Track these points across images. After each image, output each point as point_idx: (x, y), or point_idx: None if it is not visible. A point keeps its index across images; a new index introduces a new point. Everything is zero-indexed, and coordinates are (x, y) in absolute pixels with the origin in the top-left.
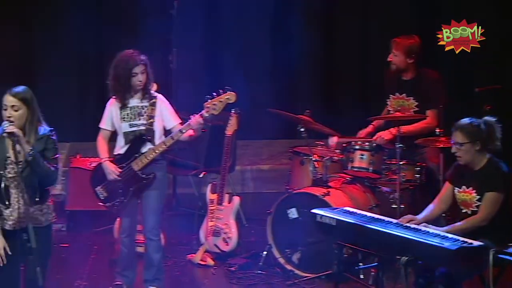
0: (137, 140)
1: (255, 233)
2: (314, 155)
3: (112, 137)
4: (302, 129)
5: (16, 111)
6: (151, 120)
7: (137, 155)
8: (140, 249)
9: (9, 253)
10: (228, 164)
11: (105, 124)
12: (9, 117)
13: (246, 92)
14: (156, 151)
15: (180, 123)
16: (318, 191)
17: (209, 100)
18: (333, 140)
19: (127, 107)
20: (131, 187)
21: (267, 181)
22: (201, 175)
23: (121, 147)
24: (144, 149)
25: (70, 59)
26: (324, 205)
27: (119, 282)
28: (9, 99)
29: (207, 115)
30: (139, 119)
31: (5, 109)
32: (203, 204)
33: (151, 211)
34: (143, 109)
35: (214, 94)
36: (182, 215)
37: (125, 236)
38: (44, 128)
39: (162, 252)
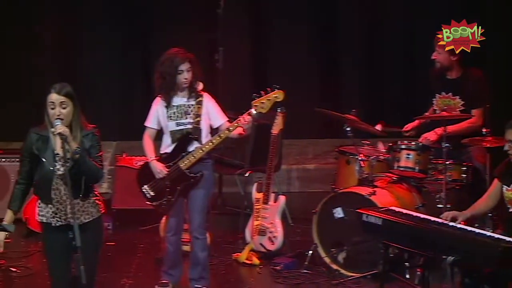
0: (184, 139)
1: (301, 232)
2: (360, 155)
3: (157, 136)
4: (348, 128)
5: (64, 108)
6: (198, 119)
7: (184, 154)
8: (185, 248)
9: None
10: (274, 163)
11: (151, 122)
12: (58, 115)
13: (292, 91)
14: (203, 150)
15: (228, 121)
16: (364, 191)
17: (257, 99)
18: (380, 147)
19: (173, 105)
20: (179, 186)
21: (312, 181)
22: (246, 174)
23: (167, 146)
24: (191, 148)
25: (116, 57)
26: (370, 204)
27: (165, 281)
28: (56, 97)
29: (255, 113)
30: (186, 118)
31: (53, 108)
32: (249, 203)
33: (197, 210)
34: (190, 107)
35: (262, 92)
36: (228, 214)
37: (172, 234)
38: (89, 126)
39: (207, 250)
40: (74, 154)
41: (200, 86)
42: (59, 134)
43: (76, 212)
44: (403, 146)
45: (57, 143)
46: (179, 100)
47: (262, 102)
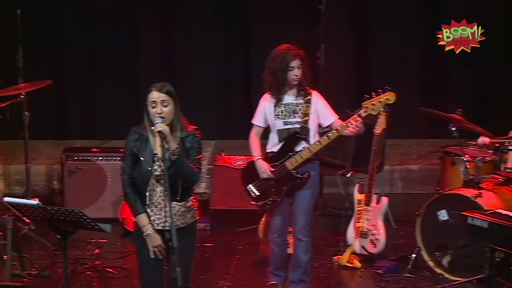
0: (291, 138)
1: (404, 235)
2: (466, 155)
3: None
4: (453, 129)
5: (165, 106)
6: (306, 118)
7: (291, 154)
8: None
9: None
10: (376, 163)
11: (258, 120)
12: (160, 113)
13: (395, 90)
14: (311, 150)
15: (340, 118)
16: (469, 193)
17: (368, 100)
18: (484, 141)
19: (282, 103)
20: (284, 186)
21: (416, 182)
22: (348, 175)
23: (274, 145)
24: (298, 148)
25: (216, 54)
26: (476, 207)
27: (274, 282)
28: (157, 95)
29: (365, 115)
30: (294, 117)
31: (154, 107)
32: (350, 205)
33: (302, 211)
34: (298, 106)
35: (373, 94)
36: (329, 215)
37: (277, 235)
38: (189, 126)
39: (310, 253)
40: (173, 154)
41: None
42: (159, 132)
43: (175, 212)
44: (510, 147)
45: (156, 143)
46: (288, 98)
47: (373, 104)
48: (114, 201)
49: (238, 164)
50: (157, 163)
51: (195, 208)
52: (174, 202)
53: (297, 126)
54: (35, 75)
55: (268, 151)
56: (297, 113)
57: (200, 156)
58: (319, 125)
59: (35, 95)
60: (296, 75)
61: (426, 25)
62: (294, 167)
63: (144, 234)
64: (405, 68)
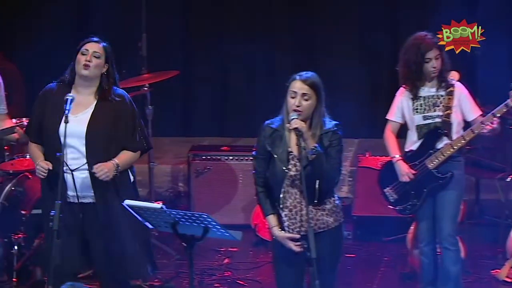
0: (432, 134)
1: None
2: None
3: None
4: None
5: (306, 100)
6: (448, 112)
7: (432, 151)
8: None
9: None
10: None
11: (394, 115)
12: (298, 106)
13: None
14: (454, 147)
15: (481, 115)
16: None
17: None
18: None
19: (420, 97)
20: (425, 188)
21: None
22: (508, 179)
23: (413, 143)
24: (440, 145)
25: (358, 48)
26: None
27: None
28: (300, 86)
29: None
30: (434, 110)
31: (293, 97)
32: (510, 212)
33: (447, 216)
34: (439, 99)
35: None
36: (486, 224)
37: (425, 244)
38: (328, 121)
39: (461, 264)
40: (310, 154)
41: (455, 76)
42: (295, 129)
43: (312, 217)
44: None
45: (291, 140)
46: (427, 91)
47: None
48: (246, 205)
49: (382, 164)
50: (292, 162)
51: (338, 208)
52: (311, 206)
53: (438, 120)
54: (160, 65)
55: (406, 150)
56: (438, 106)
57: (341, 155)
58: (463, 121)
59: (160, 87)
60: (434, 67)
61: None
62: (435, 166)
63: (273, 236)
64: None
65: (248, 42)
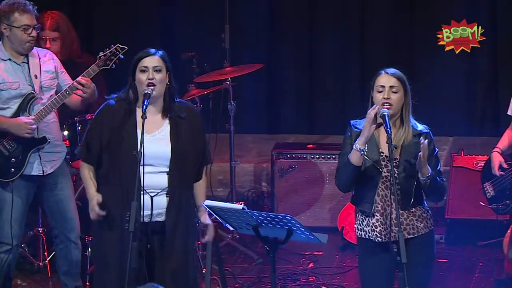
0: None
1: None
2: None
3: None
4: None
5: (395, 92)
6: None
7: None
8: None
9: None
10: None
11: None
12: (387, 99)
13: None
14: None
15: None
16: None
17: None
18: None
19: None
20: None
21: None
22: None
23: None
24: None
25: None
26: None
27: None
28: (387, 80)
29: None
30: None
31: (380, 91)
32: None
33: None
34: None
35: None
36: None
37: None
38: (418, 123)
39: None
40: (423, 182)
41: None
42: (382, 117)
43: (403, 221)
44: None
45: (381, 139)
46: None
47: None
48: (332, 206)
49: (480, 166)
50: (384, 162)
51: (429, 217)
52: (402, 211)
53: None
54: (243, 58)
55: None
56: None
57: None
58: None
59: (244, 81)
60: None
61: None
62: None
63: None
64: None
65: (339, 35)
